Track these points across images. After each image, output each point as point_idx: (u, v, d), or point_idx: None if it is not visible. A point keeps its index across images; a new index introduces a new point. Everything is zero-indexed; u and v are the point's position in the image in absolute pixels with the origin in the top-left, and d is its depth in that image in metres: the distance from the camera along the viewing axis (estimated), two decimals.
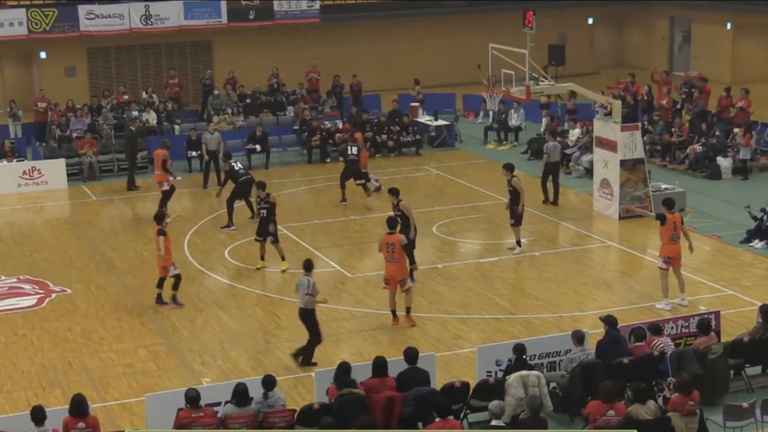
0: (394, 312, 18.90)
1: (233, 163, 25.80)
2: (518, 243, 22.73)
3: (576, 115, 32.40)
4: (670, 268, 19.25)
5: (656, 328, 15.88)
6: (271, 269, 22.29)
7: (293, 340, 18.51)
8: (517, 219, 22.48)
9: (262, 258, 22.27)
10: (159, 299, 20.32)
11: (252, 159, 31.45)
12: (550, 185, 26.48)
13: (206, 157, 29.35)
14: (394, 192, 20.86)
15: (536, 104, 33.85)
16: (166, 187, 26.27)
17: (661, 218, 19.25)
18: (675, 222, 19.23)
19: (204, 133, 29.75)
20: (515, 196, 22.33)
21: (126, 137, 30.51)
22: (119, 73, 40.85)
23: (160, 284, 20.30)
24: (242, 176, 25.33)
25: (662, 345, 15.45)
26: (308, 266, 17.58)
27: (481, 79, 36.71)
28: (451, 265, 22.23)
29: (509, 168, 22.64)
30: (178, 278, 20.26)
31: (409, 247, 20.11)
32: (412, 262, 20.54)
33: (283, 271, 21.89)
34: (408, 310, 18.88)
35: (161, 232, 20.03)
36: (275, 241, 21.92)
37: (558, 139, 30.85)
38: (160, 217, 20.57)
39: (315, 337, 17.42)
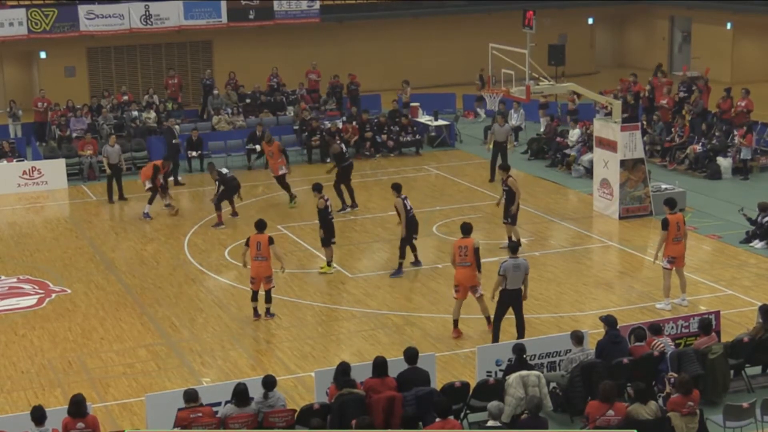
0: (456, 322, 18.50)
1: (342, 145, 26.65)
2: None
3: (577, 116, 32.42)
4: (674, 267, 19.24)
5: (656, 329, 15.87)
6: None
7: (293, 340, 18.53)
8: (512, 218, 22.59)
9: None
10: (268, 312, 19.46)
11: (252, 159, 31.47)
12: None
13: (108, 171, 28.03)
14: (396, 188, 21.73)
15: (536, 104, 33.85)
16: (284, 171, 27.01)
17: (663, 223, 19.18)
18: (678, 222, 19.19)
19: (105, 146, 28.73)
20: (510, 195, 22.44)
21: (166, 135, 30.35)
22: (119, 73, 40.84)
23: (269, 298, 19.41)
24: (347, 161, 26.37)
25: (662, 345, 15.44)
26: (516, 248, 17.94)
27: (476, 81, 37.01)
28: (451, 265, 22.20)
29: (505, 168, 23.09)
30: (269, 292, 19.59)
31: (403, 242, 21.46)
32: (402, 257, 21.61)
33: (322, 273, 21.98)
34: (489, 319, 18.19)
35: (272, 240, 19.38)
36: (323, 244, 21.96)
37: (558, 140, 31.02)
38: (262, 224, 19.71)
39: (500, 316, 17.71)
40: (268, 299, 19.50)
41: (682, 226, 19.27)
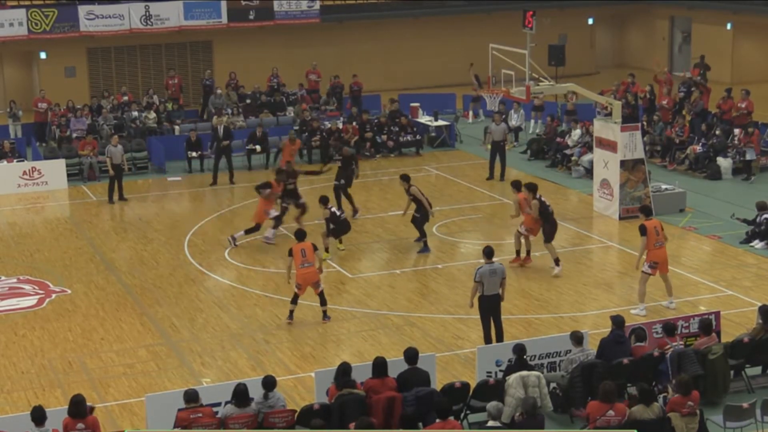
0: (518, 252, 21.96)
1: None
2: (557, 262, 21.64)
3: (576, 116, 32.40)
4: (656, 273, 19.19)
5: (670, 329, 15.76)
6: (272, 270, 22.34)
7: (293, 340, 18.54)
8: (547, 236, 21.59)
9: (326, 250, 22.52)
10: (325, 315, 19.35)
11: (252, 159, 31.50)
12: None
13: (111, 172, 27.87)
14: (405, 178, 23.07)
15: (529, 106, 33.78)
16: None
17: (641, 229, 19.15)
18: (656, 227, 19.20)
19: (108, 146, 28.52)
20: (546, 214, 21.62)
21: (214, 134, 30.64)
22: (119, 73, 40.86)
23: (324, 301, 19.31)
24: (320, 172, 27.14)
25: (672, 350, 15.33)
26: (492, 253, 17.93)
27: (471, 78, 36.94)
28: (451, 265, 22.24)
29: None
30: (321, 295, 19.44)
31: (421, 222, 22.92)
32: (424, 235, 23.04)
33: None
34: (518, 253, 21.90)
35: (315, 247, 19.27)
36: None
37: (558, 140, 31.01)
38: (303, 233, 19.66)
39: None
40: (323, 302, 19.32)
41: (661, 231, 19.26)
